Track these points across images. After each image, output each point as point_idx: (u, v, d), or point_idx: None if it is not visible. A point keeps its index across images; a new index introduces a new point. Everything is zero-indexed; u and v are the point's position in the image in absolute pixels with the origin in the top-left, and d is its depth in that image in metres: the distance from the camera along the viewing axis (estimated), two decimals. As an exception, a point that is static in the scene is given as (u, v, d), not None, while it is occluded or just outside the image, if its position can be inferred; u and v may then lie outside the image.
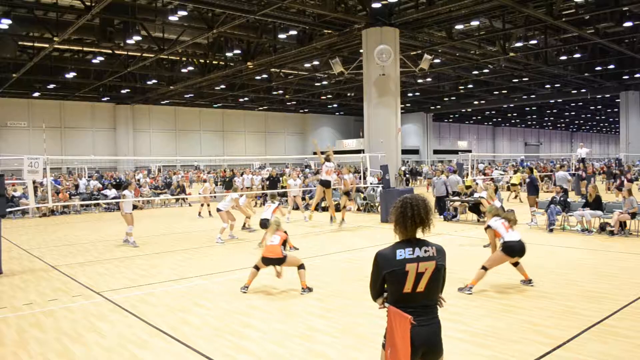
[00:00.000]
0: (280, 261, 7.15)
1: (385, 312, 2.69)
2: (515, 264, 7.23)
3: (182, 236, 13.47)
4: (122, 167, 42.25)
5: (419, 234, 2.70)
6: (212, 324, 5.87)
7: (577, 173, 21.83)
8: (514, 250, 7.03)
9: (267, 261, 7.15)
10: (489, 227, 7.54)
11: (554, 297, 6.66)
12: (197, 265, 9.47)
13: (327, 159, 13.49)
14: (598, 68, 33.85)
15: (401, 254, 2.60)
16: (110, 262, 9.87)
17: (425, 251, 2.63)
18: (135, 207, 12.38)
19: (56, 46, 23.28)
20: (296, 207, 17.08)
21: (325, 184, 13.26)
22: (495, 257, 7.14)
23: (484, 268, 7.04)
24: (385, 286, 2.68)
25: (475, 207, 14.90)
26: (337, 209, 15.15)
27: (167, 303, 6.79)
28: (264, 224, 10.61)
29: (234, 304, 6.68)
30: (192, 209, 21.01)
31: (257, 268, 7.28)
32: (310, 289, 7.18)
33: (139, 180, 26.36)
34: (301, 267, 7.22)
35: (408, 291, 2.58)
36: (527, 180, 15.08)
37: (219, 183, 31.31)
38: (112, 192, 22.18)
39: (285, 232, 7.45)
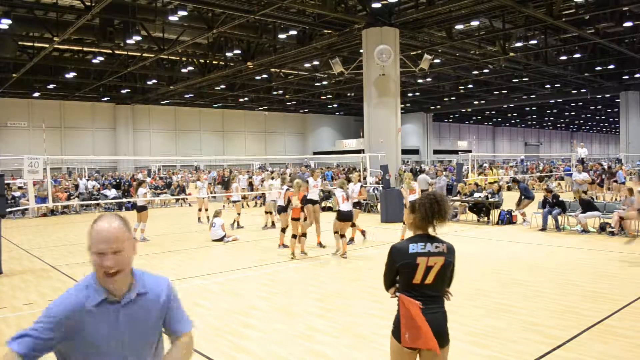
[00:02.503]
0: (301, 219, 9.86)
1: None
2: (342, 236, 9.97)
3: (182, 236, 13.48)
4: (122, 167, 42.24)
5: (432, 230, 2.89)
6: (212, 324, 5.87)
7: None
8: (343, 216, 9.92)
9: (295, 219, 9.85)
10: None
11: (554, 297, 6.67)
12: (197, 265, 9.48)
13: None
14: (598, 68, 33.83)
15: (414, 248, 2.80)
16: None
17: (437, 247, 2.83)
18: (144, 207, 12.61)
19: (56, 46, 23.27)
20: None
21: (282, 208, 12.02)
22: (334, 224, 10.11)
23: (336, 232, 10.01)
24: (398, 277, 2.88)
25: (475, 207, 14.93)
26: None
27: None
28: (280, 209, 11.48)
29: (234, 304, 6.69)
30: (192, 209, 21.00)
31: (294, 236, 9.83)
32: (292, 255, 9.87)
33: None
34: (304, 234, 10.08)
35: (417, 282, 2.78)
36: (519, 189, 14.93)
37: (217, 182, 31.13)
38: (111, 192, 22.25)
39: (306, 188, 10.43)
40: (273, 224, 14.61)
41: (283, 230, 11.09)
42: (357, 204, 11.63)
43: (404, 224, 12.88)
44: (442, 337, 2.76)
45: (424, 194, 2.99)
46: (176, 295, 2.09)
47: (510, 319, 5.76)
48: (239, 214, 14.96)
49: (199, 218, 16.32)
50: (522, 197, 14.42)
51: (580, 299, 6.54)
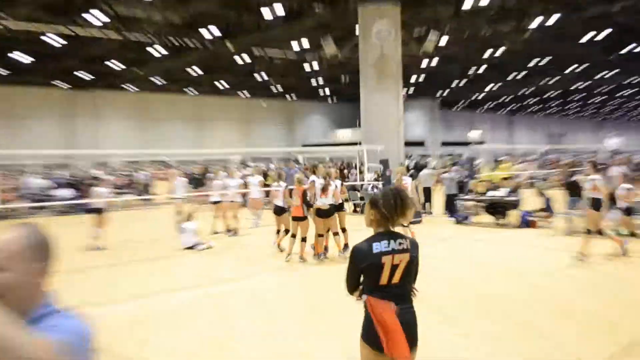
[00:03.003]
0: (302, 219, 10.10)
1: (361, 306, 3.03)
2: (335, 234, 10.24)
3: (149, 244, 13.30)
4: (81, 163, 41.73)
5: (392, 226, 3.06)
6: (184, 348, 5.70)
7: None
8: (322, 212, 10.01)
9: (295, 219, 10.14)
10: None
11: (551, 298, 6.92)
12: (165, 278, 9.32)
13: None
14: (627, 48, 33.86)
15: (377, 247, 2.95)
16: (62, 275, 9.66)
17: (400, 244, 2.99)
18: (103, 209, 12.42)
19: (5, 24, 22.91)
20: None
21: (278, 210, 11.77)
22: (316, 225, 10.13)
23: (320, 235, 10.05)
24: (361, 279, 3.04)
25: (492, 208, 14.74)
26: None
27: (129, 323, 6.61)
28: (279, 210, 11.13)
29: (212, 324, 6.52)
30: (158, 212, 20.71)
31: (293, 236, 10.14)
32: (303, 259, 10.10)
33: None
34: (304, 239, 10.13)
35: (384, 283, 2.94)
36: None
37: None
38: (65, 192, 21.43)
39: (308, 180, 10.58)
40: (233, 229, 14.42)
41: (286, 231, 11.00)
42: (341, 206, 10.93)
43: (403, 225, 12.75)
44: (414, 339, 2.96)
45: (386, 188, 3.21)
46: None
47: (507, 321, 5.75)
48: (223, 217, 14.75)
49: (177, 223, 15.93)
50: (544, 209, 14.26)
51: (578, 297, 6.46)
